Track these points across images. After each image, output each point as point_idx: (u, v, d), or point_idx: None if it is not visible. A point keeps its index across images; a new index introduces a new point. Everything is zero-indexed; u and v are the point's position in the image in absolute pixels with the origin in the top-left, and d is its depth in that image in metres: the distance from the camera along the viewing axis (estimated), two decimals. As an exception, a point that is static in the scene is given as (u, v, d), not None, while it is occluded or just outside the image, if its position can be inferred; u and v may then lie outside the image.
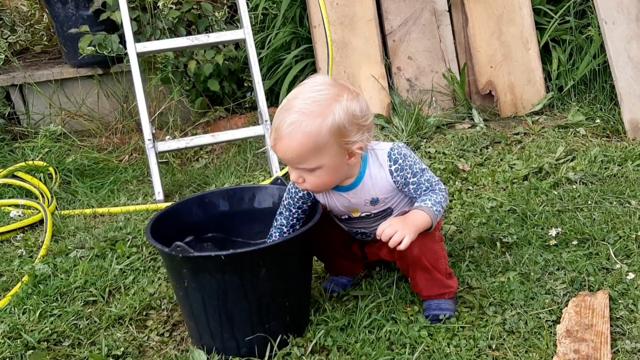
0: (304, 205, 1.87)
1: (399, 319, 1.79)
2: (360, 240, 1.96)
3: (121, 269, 2.18)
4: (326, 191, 1.79)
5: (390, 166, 1.73)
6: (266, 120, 2.97)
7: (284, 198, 1.88)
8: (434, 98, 3.50)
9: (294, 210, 1.88)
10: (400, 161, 1.73)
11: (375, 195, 1.76)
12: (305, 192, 1.83)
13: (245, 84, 3.72)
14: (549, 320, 1.75)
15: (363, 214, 1.82)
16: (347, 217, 1.86)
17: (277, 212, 1.91)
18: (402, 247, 1.62)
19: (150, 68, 3.54)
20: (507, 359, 1.62)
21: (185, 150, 3.27)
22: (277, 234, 1.89)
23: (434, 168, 2.83)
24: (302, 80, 3.51)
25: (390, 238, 1.63)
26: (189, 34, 3.51)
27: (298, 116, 1.59)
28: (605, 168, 2.73)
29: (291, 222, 1.89)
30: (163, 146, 2.93)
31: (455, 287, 1.84)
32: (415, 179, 1.73)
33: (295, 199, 1.86)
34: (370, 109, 1.70)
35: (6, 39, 3.87)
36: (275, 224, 1.90)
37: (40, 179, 3.01)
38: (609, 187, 2.53)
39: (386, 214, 1.82)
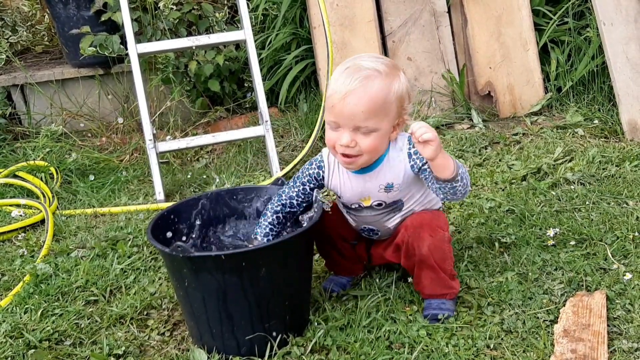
0: (309, 185, 1.85)
1: (398, 318, 1.80)
2: (367, 239, 1.97)
3: (122, 269, 2.19)
4: (344, 172, 1.80)
5: (409, 149, 1.75)
6: (266, 121, 2.97)
7: (295, 175, 1.88)
8: (433, 99, 3.51)
9: (297, 183, 1.86)
10: None
11: (391, 181, 1.76)
12: (315, 171, 1.83)
13: (246, 85, 3.73)
14: (547, 320, 1.76)
15: (374, 203, 1.81)
16: (357, 206, 1.85)
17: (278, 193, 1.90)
18: (425, 137, 1.57)
19: (151, 68, 3.55)
20: (505, 359, 1.63)
21: (186, 150, 3.28)
22: (276, 206, 1.88)
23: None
24: (302, 81, 3.58)
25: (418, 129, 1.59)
26: (189, 34, 3.52)
27: (372, 72, 1.64)
28: (603, 169, 2.74)
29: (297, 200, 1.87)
30: (164, 146, 2.94)
31: (457, 289, 1.85)
32: None
33: (306, 174, 1.85)
34: None
35: (7, 39, 3.88)
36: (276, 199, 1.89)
37: (41, 179, 3.02)
38: (607, 187, 2.55)
39: (397, 207, 1.83)
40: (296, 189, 1.86)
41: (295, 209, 1.89)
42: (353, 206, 1.86)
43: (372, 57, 1.70)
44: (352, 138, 1.67)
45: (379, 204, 1.82)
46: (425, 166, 1.73)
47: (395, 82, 1.67)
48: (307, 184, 1.86)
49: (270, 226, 1.87)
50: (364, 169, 1.77)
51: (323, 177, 1.84)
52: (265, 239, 1.86)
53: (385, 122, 1.68)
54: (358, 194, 1.82)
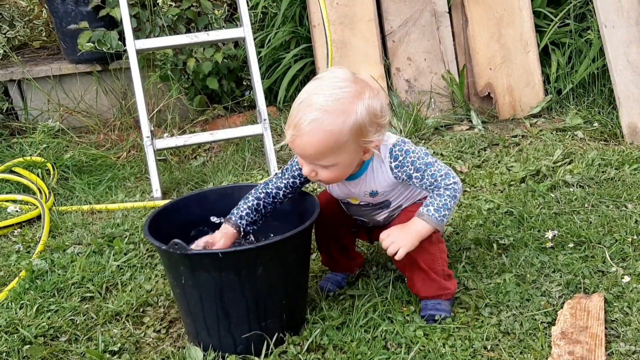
0: (299, 179, 1.83)
1: (395, 318, 1.80)
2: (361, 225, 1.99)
3: (118, 266, 2.18)
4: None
5: (390, 163, 1.72)
6: (265, 119, 2.96)
7: (283, 169, 1.86)
8: (432, 99, 3.50)
9: (287, 175, 1.84)
10: (400, 158, 1.71)
11: (375, 188, 1.77)
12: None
13: (244, 83, 3.72)
14: (544, 322, 1.76)
15: (362, 203, 1.84)
16: (346, 202, 1.89)
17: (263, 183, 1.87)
18: (397, 258, 1.68)
19: (149, 65, 3.53)
20: (502, 360, 1.63)
21: (183, 148, 3.27)
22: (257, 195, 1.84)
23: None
24: (301, 80, 3.57)
25: (387, 248, 1.69)
26: (188, 31, 3.50)
27: (320, 114, 1.56)
28: (603, 171, 2.73)
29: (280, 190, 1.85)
30: (161, 143, 2.93)
31: (453, 289, 1.84)
32: (418, 174, 1.71)
33: (296, 168, 1.81)
34: (387, 107, 1.71)
35: (5, 34, 3.86)
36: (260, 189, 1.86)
37: (38, 175, 3.01)
38: (606, 190, 2.54)
39: (384, 205, 1.83)
40: (285, 181, 1.83)
41: (278, 201, 1.85)
42: (342, 201, 1.90)
43: (330, 87, 1.60)
44: (311, 169, 1.66)
45: (366, 205, 1.85)
46: (411, 181, 1.74)
47: (350, 117, 1.58)
48: (298, 177, 1.82)
49: (247, 210, 1.82)
50: (348, 178, 1.75)
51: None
52: (239, 221, 1.80)
53: (343, 155, 1.63)
54: (345, 195, 1.84)
